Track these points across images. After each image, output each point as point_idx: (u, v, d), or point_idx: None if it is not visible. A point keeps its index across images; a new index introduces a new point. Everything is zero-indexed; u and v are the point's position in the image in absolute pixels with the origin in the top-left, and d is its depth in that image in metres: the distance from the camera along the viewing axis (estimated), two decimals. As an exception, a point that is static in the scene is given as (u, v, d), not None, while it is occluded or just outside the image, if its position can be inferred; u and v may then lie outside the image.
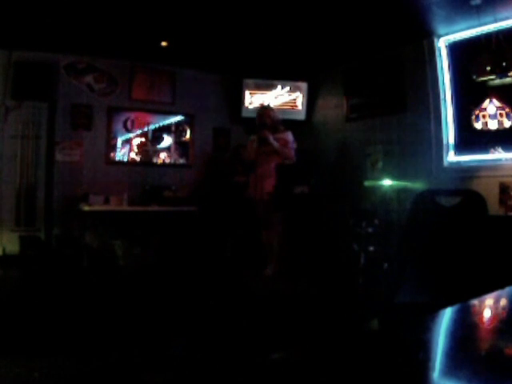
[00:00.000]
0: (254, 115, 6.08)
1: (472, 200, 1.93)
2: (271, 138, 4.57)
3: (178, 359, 2.31)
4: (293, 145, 4.69)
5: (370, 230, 4.81)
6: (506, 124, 4.17)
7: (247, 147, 4.90)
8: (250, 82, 6.07)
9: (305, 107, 6.15)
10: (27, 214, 5.23)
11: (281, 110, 6.11)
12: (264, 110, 4.89)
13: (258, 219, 4.79)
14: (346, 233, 5.14)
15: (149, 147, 6.07)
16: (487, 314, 0.88)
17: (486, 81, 4.24)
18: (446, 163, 4.69)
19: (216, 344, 2.54)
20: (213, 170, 6.08)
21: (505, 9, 3.96)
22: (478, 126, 4.36)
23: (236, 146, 6.08)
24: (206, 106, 6.18)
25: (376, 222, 4.81)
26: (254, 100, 6.08)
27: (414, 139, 4.94)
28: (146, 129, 6.05)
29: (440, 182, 4.54)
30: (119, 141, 6.03)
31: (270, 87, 6.11)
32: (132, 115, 5.92)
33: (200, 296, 3.80)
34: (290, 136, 4.70)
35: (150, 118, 6.08)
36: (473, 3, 3.89)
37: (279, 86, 6.09)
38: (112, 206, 5.17)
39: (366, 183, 5.12)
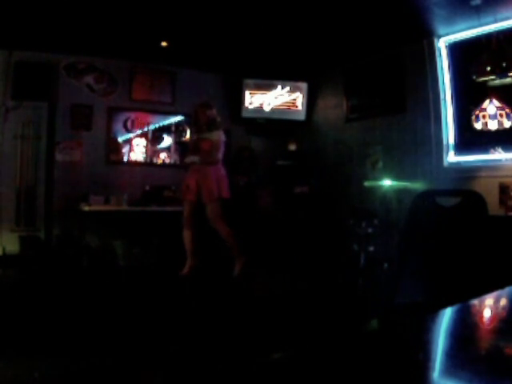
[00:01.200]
0: (254, 115, 6.12)
1: (472, 200, 1.93)
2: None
3: (177, 359, 2.31)
4: (221, 145, 4.41)
5: (369, 230, 4.82)
6: (506, 124, 4.17)
7: None
8: (250, 82, 6.07)
9: (305, 107, 6.15)
10: (27, 214, 5.23)
11: (281, 110, 6.14)
12: (198, 107, 4.60)
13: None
14: (346, 233, 5.15)
15: (149, 147, 6.07)
16: (487, 313, 0.88)
17: (486, 81, 4.24)
18: (445, 163, 4.69)
19: (216, 344, 2.54)
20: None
21: (505, 9, 3.97)
22: (478, 126, 4.36)
23: (239, 147, 6.21)
24: (206, 106, 6.17)
25: (376, 222, 4.82)
26: (254, 100, 6.08)
27: (414, 139, 4.94)
28: (146, 129, 6.05)
29: (440, 182, 4.55)
30: (119, 141, 6.02)
31: (270, 87, 6.11)
32: (132, 115, 5.92)
33: (200, 296, 3.81)
34: (219, 136, 4.42)
35: (150, 118, 6.08)
36: (473, 3, 3.89)
37: (279, 86, 6.09)
38: (112, 206, 5.17)
39: (366, 183, 5.12)
